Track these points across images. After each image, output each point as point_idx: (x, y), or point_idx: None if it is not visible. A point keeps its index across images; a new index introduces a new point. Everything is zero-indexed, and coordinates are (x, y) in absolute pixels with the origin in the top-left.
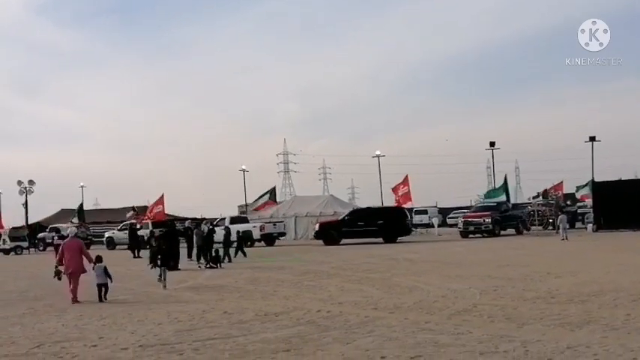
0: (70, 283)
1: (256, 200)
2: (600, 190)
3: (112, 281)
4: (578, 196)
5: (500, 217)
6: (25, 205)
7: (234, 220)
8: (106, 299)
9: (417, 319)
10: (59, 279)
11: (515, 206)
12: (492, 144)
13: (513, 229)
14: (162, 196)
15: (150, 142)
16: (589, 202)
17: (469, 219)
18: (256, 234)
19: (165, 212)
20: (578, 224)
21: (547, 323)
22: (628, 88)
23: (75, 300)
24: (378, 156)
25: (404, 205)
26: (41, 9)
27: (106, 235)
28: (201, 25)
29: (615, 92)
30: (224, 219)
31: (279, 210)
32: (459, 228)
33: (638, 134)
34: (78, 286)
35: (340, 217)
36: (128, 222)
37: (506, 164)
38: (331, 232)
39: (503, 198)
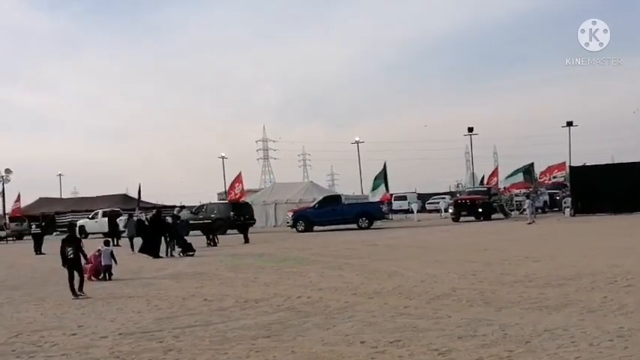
0: None
1: None
2: (577, 174)
3: (116, 263)
4: (506, 185)
5: (313, 212)
6: (2, 194)
7: (106, 214)
8: (110, 279)
9: (397, 304)
10: None
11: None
12: (470, 129)
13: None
14: (19, 195)
15: (129, 128)
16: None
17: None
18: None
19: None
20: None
21: (525, 306)
22: (604, 72)
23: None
24: (357, 142)
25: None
26: None
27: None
28: (181, 7)
29: (592, 77)
30: (98, 212)
31: (259, 197)
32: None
33: (614, 119)
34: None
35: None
36: None
37: (484, 150)
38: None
39: (381, 189)
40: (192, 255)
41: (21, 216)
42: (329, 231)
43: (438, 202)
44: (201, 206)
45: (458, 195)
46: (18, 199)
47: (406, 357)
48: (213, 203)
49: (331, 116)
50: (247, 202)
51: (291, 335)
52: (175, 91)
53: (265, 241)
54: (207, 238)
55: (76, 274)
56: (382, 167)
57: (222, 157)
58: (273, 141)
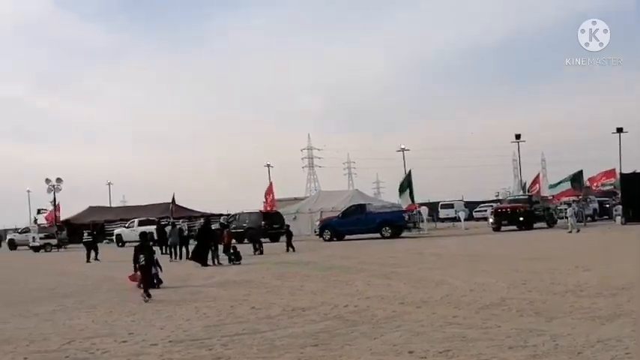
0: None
1: None
2: (628, 182)
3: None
4: (554, 193)
5: (338, 221)
6: (54, 203)
7: (142, 223)
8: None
9: (445, 313)
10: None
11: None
12: (518, 136)
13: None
14: (54, 208)
15: (173, 137)
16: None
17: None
18: None
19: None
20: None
21: (577, 317)
22: None
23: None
24: (402, 150)
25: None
26: (63, 3)
27: (116, 232)
28: (223, 18)
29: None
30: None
31: (304, 205)
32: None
33: None
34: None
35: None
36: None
37: (532, 156)
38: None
39: (406, 198)
40: (239, 263)
41: (60, 225)
42: (366, 239)
43: (486, 210)
44: (234, 215)
45: (499, 204)
46: (57, 208)
47: None
48: (245, 213)
49: (374, 124)
50: (278, 212)
51: (339, 344)
52: (218, 99)
53: (311, 249)
54: (254, 247)
55: None
56: (406, 175)
57: (268, 166)
58: (318, 149)
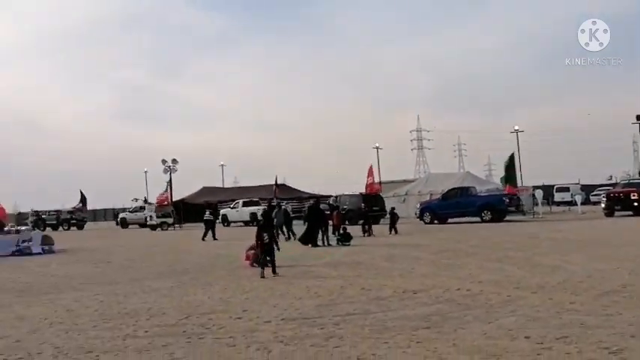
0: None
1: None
2: None
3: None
4: None
5: (438, 204)
6: (170, 183)
7: (246, 204)
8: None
9: (562, 299)
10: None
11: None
12: (639, 117)
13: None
14: (170, 188)
15: (285, 119)
16: None
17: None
18: None
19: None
20: None
21: None
22: None
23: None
24: (516, 131)
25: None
26: None
27: (222, 212)
28: (334, 1)
29: None
30: (239, 202)
31: (414, 187)
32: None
33: None
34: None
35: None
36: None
37: None
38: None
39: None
40: (348, 244)
41: (168, 204)
42: (468, 223)
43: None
44: (335, 198)
45: (613, 188)
46: (169, 190)
47: (574, 354)
48: (346, 195)
49: (486, 105)
50: (379, 195)
51: (452, 327)
52: (327, 82)
53: (419, 231)
54: (363, 229)
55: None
56: (508, 162)
57: (377, 148)
58: (427, 131)
